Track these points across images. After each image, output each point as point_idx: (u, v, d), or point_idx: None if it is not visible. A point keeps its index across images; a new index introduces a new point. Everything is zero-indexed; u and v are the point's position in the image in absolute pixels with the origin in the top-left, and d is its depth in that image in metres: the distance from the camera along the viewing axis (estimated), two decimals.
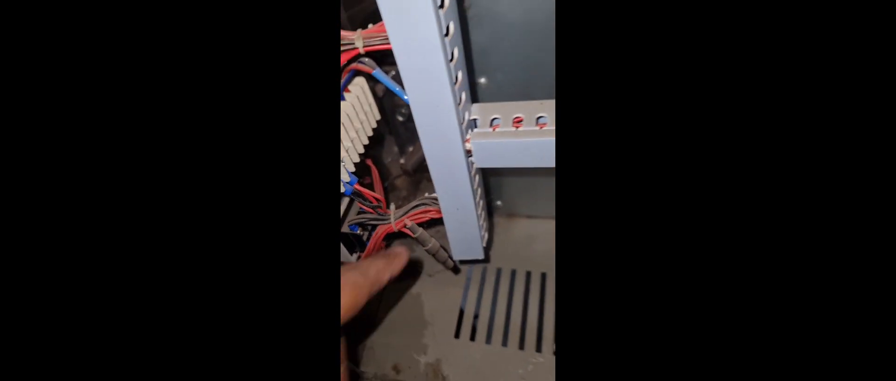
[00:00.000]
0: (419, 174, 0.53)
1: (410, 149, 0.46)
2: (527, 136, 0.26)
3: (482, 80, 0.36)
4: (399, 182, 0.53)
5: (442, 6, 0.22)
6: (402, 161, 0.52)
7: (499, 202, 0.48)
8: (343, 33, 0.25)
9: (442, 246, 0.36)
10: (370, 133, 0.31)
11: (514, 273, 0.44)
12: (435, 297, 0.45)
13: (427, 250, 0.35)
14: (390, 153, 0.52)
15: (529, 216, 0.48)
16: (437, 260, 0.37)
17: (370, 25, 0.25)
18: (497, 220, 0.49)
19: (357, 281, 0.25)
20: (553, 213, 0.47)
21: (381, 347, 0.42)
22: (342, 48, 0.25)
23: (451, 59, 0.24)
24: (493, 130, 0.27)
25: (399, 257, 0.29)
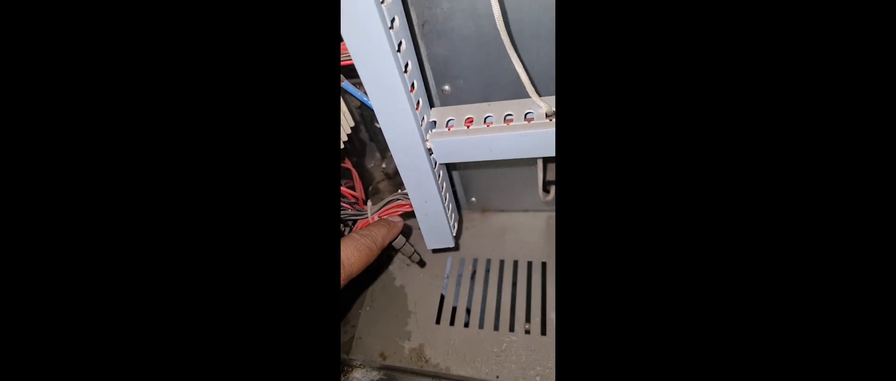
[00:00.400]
0: (399, 177, 0.57)
1: (389, 154, 0.50)
2: (476, 133, 0.30)
3: (446, 87, 0.40)
4: (382, 186, 0.57)
5: (392, 27, 0.26)
6: (383, 166, 0.56)
7: (473, 198, 0.52)
8: None
9: (407, 242, 0.40)
10: (345, 138, 0.36)
11: (488, 262, 0.48)
12: (417, 288, 0.48)
13: (394, 245, 0.38)
14: (372, 159, 0.56)
15: (501, 210, 0.52)
16: (404, 254, 0.41)
17: None
18: (472, 214, 0.53)
19: (370, 246, 0.35)
20: (523, 206, 0.51)
21: (368, 336, 0.46)
22: None
23: (406, 71, 0.28)
24: (449, 129, 0.31)
25: (396, 225, 0.38)
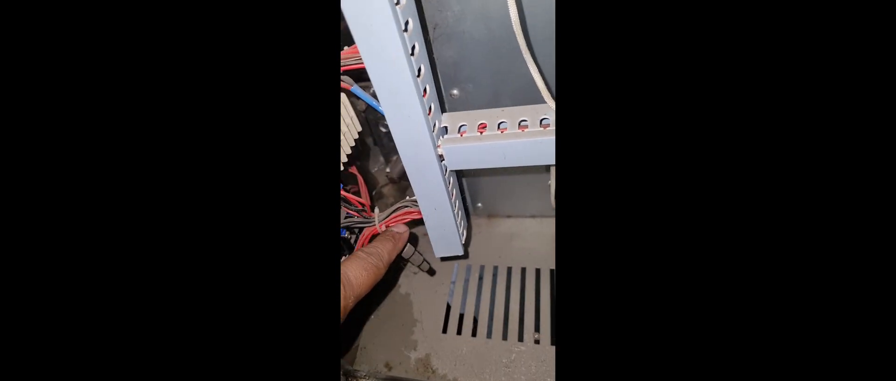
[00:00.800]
0: (404, 181, 0.56)
1: (394, 158, 0.49)
2: (490, 139, 0.29)
3: (454, 91, 0.39)
4: (386, 190, 0.56)
5: (406, 30, 0.25)
6: (387, 170, 0.55)
7: (479, 204, 0.51)
8: None
9: (416, 251, 0.39)
10: (352, 143, 0.34)
11: (495, 269, 0.47)
12: (423, 295, 0.47)
13: (403, 255, 0.37)
14: (376, 163, 0.55)
15: (508, 216, 0.51)
16: (413, 264, 0.40)
17: (346, 47, 0.28)
18: (478, 220, 0.52)
19: (377, 264, 0.33)
20: (530, 212, 0.50)
21: (372, 345, 0.45)
22: None
23: (419, 75, 0.27)
24: (461, 135, 0.31)
25: (402, 237, 0.37)
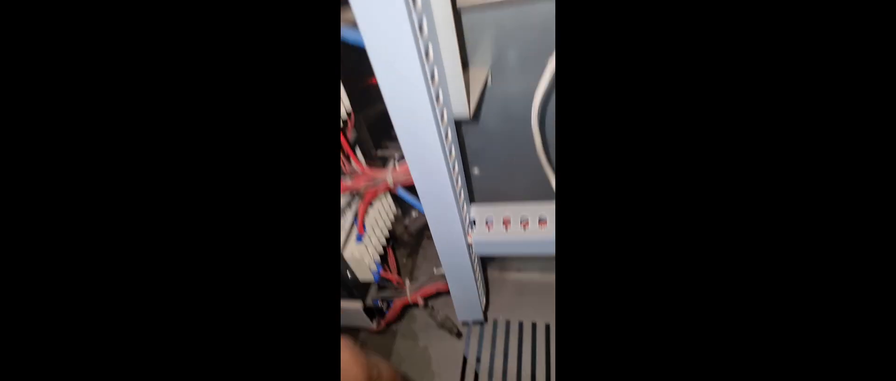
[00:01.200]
0: (420, 237, 0.60)
1: (415, 215, 0.53)
2: (513, 235, 0.34)
3: (476, 170, 0.44)
4: (404, 237, 0.60)
5: (451, 153, 0.29)
6: (406, 223, 0.59)
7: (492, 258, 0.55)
8: (377, 172, 0.33)
9: (447, 316, 0.43)
10: (389, 226, 0.39)
11: (508, 323, 0.51)
12: (440, 349, 0.51)
13: (436, 321, 0.41)
14: (392, 212, 0.59)
15: (519, 270, 0.55)
16: (444, 328, 0.44)
17: (397, 167, 0.33)
18: (491, 274, 0.56)
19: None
20: (540, 266, 0.55)
21: None
22: (377, 184, 0.33)
23: (457, 184, 0.32)
24: (488, 230, 0.35)
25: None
